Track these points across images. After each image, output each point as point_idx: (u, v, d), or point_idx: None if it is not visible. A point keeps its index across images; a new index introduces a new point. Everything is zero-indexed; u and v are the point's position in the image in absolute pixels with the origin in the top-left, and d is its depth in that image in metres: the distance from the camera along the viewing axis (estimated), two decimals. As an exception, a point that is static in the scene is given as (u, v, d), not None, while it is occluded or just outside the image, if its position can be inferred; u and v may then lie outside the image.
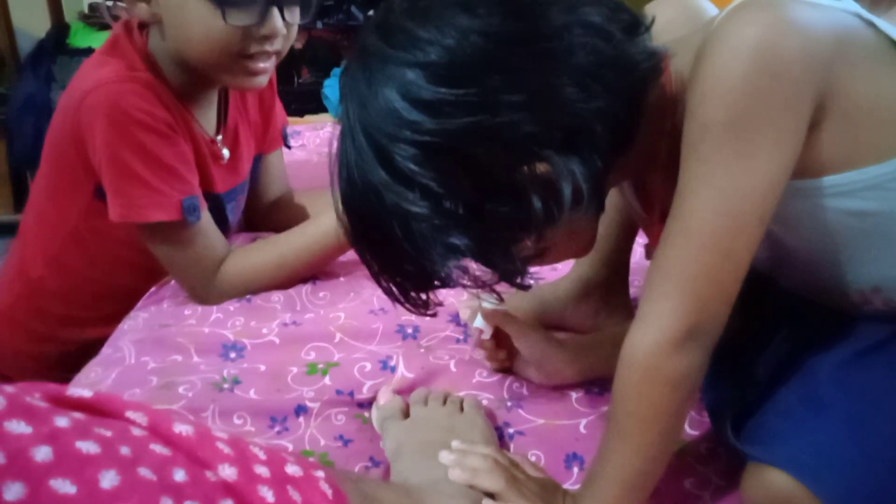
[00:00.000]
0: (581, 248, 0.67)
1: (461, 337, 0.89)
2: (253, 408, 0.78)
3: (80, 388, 0.83)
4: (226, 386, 0.82)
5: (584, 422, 0.78)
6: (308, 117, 2.12)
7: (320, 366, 0.85)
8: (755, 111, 0.54)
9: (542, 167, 0.57)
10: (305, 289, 1.02)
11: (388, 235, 0.59)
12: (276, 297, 1.01)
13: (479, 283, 0.61)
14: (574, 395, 0.81)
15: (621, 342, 0.82)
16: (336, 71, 2.13)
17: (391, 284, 0.64)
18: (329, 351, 0.88)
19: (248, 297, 1.00)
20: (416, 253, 0.59)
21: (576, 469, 0.73)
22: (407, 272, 0.63)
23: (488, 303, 0.75)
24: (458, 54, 0.55)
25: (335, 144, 0.63)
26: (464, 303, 0.91)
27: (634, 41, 0.59)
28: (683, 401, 0.59)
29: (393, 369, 0.84)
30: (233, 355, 0.88)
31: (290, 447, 0.74)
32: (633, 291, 0.95)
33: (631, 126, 0.60)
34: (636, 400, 0.59)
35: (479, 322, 0.79)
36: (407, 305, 0.65)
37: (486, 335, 0.80)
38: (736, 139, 0.55)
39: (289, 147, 1.27)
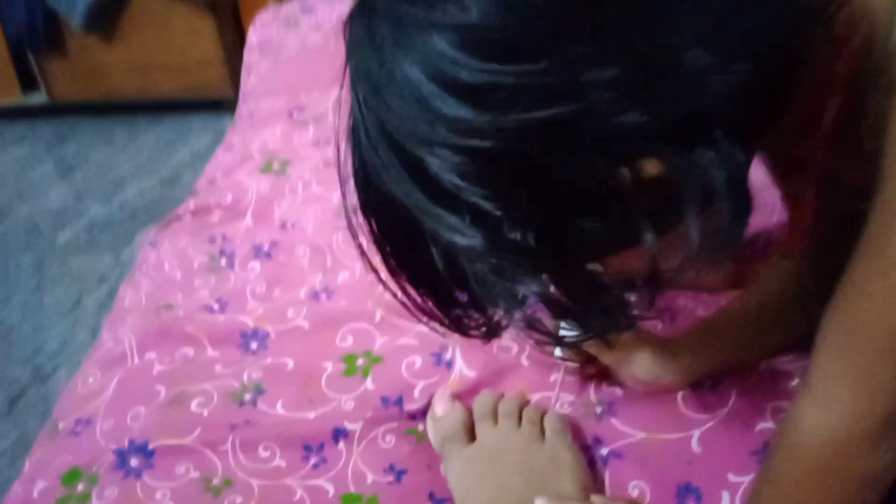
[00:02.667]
0: (721, 276, 0.48)
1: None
2: (282, 435, 0.63)
3: (75, 399, 0.71)
4: (247, 397, 0.67)
5: (696, 434, 0.61)
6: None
7: (360, 362, 0.69)
8: None
9: (651, 167, 0.36)
10: (336, 237, 0.84)
11: (427, 261, 0.42)
12: (302, 249, 0.83)
13: (559, 341, 0.43)
14: (680, 393, 0.64)
15: (747, 324, 0.64)
16: None
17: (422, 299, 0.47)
18: (369, 335, 0.72)
19: (268, 251, 0.83)
20: (465, 297, 0.44)
21: (691, 507, 0.57)
22: (447, 300, 0.46)
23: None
24: (513, 8, 0.34)
25: (343, 115, 0.43)
26: None
27: None
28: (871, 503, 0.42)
29: (449, 365, 0.68)
30: (254, 346, 0.72)
31: (331, 490, 0.60)
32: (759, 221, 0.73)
33: (783, 94, 0.39)
34: (810, 499, 0.42)
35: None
36: (444, 325, 0.49)
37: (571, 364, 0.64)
38: None
39: None
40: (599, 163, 0.35)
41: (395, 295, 0.45)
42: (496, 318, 0.46)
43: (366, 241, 0.45)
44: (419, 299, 0.46)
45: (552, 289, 0.38)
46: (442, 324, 0.48)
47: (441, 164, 0.37)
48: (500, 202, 0.37)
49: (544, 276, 0.38)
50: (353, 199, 0.44)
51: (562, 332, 0.54)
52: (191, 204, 0.92)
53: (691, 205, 0.36)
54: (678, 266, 0.38)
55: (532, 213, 0.37)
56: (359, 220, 0.45)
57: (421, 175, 0.38)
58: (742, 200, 0.36)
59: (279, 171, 0.95)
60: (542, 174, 0.36)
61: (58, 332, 1.63)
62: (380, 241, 0.44)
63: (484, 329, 0.47)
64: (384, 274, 0.46)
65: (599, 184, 0.36)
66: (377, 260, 0.46)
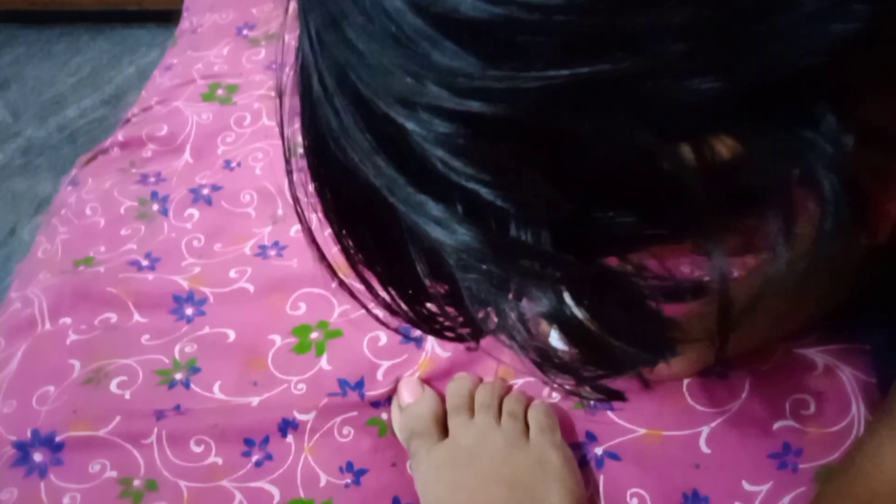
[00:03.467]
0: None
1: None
2: (219, 426, 0.53)
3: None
4: (178, 377, 0.56)
5: (705, 431, 0.53)
6: None
7: (314, 335, 0.59)
8: None
9: (724, 146, 0.25)
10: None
11: (398, 255, 0.32)
12: (248, 194, 0.72)
13: (582, 379, 0.33)
14: (685, 381, 0.55)
15: (774, 299, 0.55)
16: None
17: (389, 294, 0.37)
18: (325, 302, 0.61)
19: (209, 197, 0.71)
20: (448, 301, 0.34)
21: (698, 521, 0.49)
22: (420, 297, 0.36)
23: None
24: None
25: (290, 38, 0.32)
26: None
27: None
28: None
29: (419, 342, 0.58)
30: (189, 312, 0.61)
31: (277, 495, 0.50)
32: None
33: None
34: None
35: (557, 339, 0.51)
36: (413, 323, 0.39)
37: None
38: None
39: None
40: (652, 140, 0.25)
41: (350, 291, 0.35)
42: (481, 319, 0.36)
43: (314, 208, 0.34)
44: (383, 293, 0.36)
45: (571, 306, 0.28)
46: (410, 322, 0.38)
47: (427, 135, 0.25)
48: (506, 190, 0.26)
49: (561, 289, 0.28)
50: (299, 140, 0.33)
51: (554, 342, 0.44)
52: (119, 135, 0.79)
53: (778, 205, 0.25)
54: (756, 292, 0.27)
55: (550, 206, 0.26)
56: (305, 179, 0.34)
57: (397, 147, 0.27)
58: (850, 199, 0.26)
59: (224, 98, 0.82)
60: (570, 153, 0.25)
61: (-12, 267, 1.50)
62: (335, 221, 0.33)
63: (464, 332, 0.37)
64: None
65: (648, 168, 0.25)
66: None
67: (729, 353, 0.55)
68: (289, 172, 0.33)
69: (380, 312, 0.36)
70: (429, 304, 0.37)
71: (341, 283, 0.35)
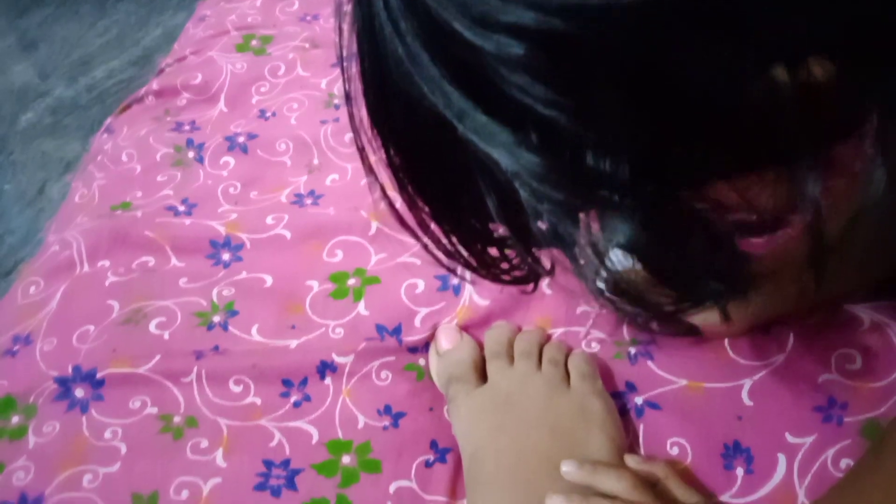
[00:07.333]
0: None
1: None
2: (257, 366, 0.53)
3: (14, 311, 0.60)
4: (216, 319, 0.56)
5: (748, 384, 0.52)
6: None
7: (351, 282, 0.58)
8: None
9: (820, 67, 0.24)
10: (325, 131, 0.72)
11: (464, 192, 0.32)
12: (284, 143, 0.71)
13: (661, 314, 0.32)
14: (728, 333, 0.55)
15: (841, 255, 0.53)
16: None
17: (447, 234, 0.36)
18: (362, 250, 0.61)
19: (245, 145, 0.71)
20: (512, 242, 0.34)
21: (740, 471, 0.48)
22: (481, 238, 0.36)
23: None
24: None
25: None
26: None
27: None
28: None
29: (457, 290, 0.57)
30: (226, 257, 0.61)
31: (315, 434, 0.50)
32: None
33: None
34: None
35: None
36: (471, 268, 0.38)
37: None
38: None
39: None
40: (752, 60, 0.23)
41: (410, 230, 0.34)
42: (543, 260, 0.35)
43: (373, 153, 0.33)
44: (443, 237, 0.35)
45: (648, 239, 0.27)
46: (468, 267, 0.37)
47: (505, 58, 0.24)
48: (588, 117, 0.25)
49: (639, 221, 0.27)
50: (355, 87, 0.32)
51: (613, 262, 0.43)
52: (154, 84, 0.79)
53: (872, 131, 0.24)
54: (842, 225, 0.27)
55: (632, 133, 0.25)
56: (362, 121, 0.33)
57: (469, 73, 0.26)
58: None
59: (258, 49, 0.81)
60: (657, 77, 0.24)
61: (19, 224, 1.51)
62: (395, 162, 0.32)
63: (524, 274, 0.36)
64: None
65: (742, 89, 0.24)
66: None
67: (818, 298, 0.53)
68: (350, 114, 0.32)
69: (439, 254, 0.36)
70: (488, 248, 0.36)
71: (402, 223, 0.35)
